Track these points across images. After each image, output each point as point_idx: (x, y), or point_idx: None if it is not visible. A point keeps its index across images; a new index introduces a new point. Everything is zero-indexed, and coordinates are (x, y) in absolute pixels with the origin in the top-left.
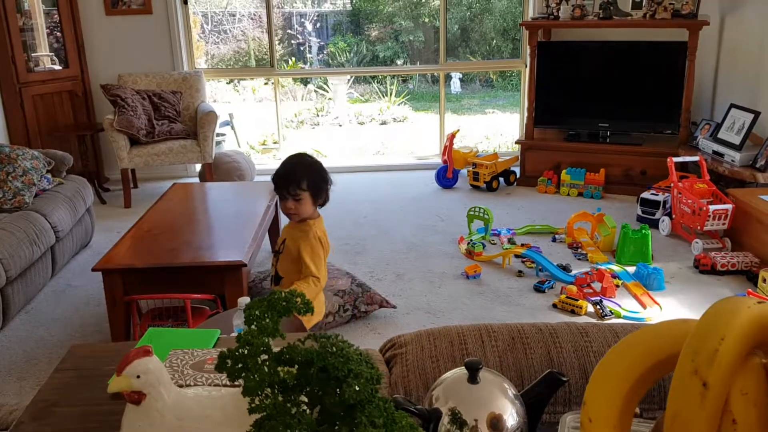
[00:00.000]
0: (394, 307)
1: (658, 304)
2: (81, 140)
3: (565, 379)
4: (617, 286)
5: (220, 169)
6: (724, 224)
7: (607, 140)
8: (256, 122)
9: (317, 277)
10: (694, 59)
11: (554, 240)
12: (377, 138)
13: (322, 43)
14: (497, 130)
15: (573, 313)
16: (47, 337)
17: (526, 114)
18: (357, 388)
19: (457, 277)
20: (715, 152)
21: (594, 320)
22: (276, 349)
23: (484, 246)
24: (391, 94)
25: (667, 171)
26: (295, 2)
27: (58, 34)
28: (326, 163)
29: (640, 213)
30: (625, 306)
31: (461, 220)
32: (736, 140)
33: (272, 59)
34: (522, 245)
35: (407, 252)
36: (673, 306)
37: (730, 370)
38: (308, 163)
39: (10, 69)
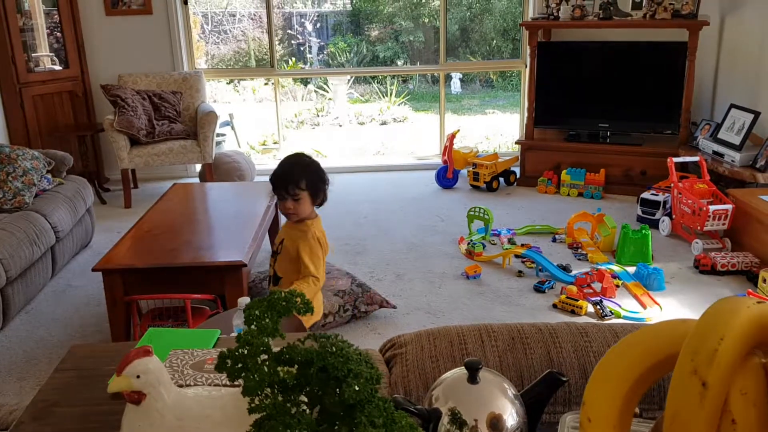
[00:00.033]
0: (394, 307)
1: (658, 304)
2: (81, 140)
3: (564, 379)
4: (617, 286)
5: (220, 170)
6: (724, 224)
7: (607, 140)
8: (256, 122)
9: (316, 277)
10: (694, 59)
11: (554, 240)
12: (377, 138)
13: (322, 44)
14: (497, 130)
15: (573, 313)
16: (47, 337)
17: (526, 114)
18: (357, 388)
19: (457, 278)
20: (715, 152)
21: (594, 320)
22: (276, 349)
23: (484, 246)
24: (391, 95)
25: (667, 171)
26: (295, 2)
27: (59, 34)
28: (326, 164)
29: (640, 213)
30: (625, 306)
31: (461, 220)
32: (736, 140)
33: (272, 59)
34: (522, 245)
35: (407, 252)
36: (673, 306)
37: (729, 370)
38: (306, 163)
39: (10, 69)
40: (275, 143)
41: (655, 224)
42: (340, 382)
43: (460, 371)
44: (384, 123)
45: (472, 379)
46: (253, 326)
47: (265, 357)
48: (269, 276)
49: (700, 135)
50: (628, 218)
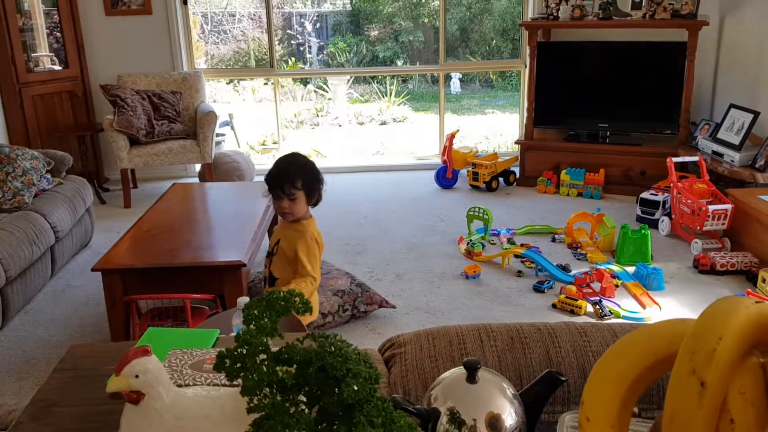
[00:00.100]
0: (394, 307)
1: (657, 304)
2: (81, 140)
3: (563, 378)
4: (617, 286)
5: (220, 170)
6: (723, 224)
7: (607, 140)
8: (256, 122)
9: (313, 276)
10: (694, 59)
11: (554, 240)
12: (377, 138)
13: (321, 44)
14: (497, 130)
15: (572, 313)
16: (46, 337)
17: (525, 114)
18: (355, 388)
19: (456, 277)
20: (714, 152)
21: (593, 320)
22: (275, 349)
23: (483, 246)
24: (390, 95)
25: (666, 171)
26: (295, 2)
27: (58, 34)
28: (326, 164)
29: (639, 213)
30: (625, 306)
31: (461, 220)
32: (736, 140)
33: (272, 59)
34: (521, 245)
35: (407, 252)
36: (672, 306)
37: (727, 369)
38: (302, 162)
39: (10, 69)
40: (275, 143)
41: (654, 224)
42: (338, 382)
43: (459, 371)
44: (384, 123)
45: (471, 378)
46: (252, 326)
47: (264, 357)
48: (264, 277)
49: (699, 135)
50: (627, 218)
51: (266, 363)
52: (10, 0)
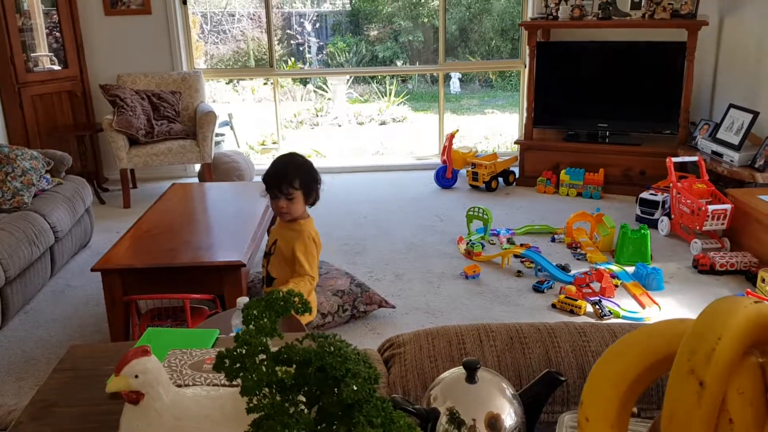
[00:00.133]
0: (393, 307)
1: (657, 304)
2: (80, 140)
3: (563, 378)
4: (616, 286)
5: (220, 170)
6: (722, 224)
7: (606, 140)
8: (256, 122)
9: (312, 276)
10: (693, 59)
11: (553, 240)
12: (376, 138)
13: (321, 44)
14: (496, 130)
15: (572, 313)
16: (46, 337)
17: (525, 114)
18: (355, 388)
19: (456, 277)
20: (714, 152)
21: (592, 320)
22: (274, 349)
23: (483, 246)
24: (390, 94)
25: (666, 171)
26: (295, 2)
27: (57, 34)
28: (326, 164)
29: (639, 213)
30: (624, 306)
31: (460, 220)
32: (735, 140)
33: (271, 59)
34: (521, 245)
35: (406, 252)
36: (672, 306)
37: (726, 369)
38: (299, 162)
39: (9, 69)
40: (274, 143)
41: (654, 224)
42: (338, 382)
43: (459, 371)
44: (383, 123)
45: (471, 378)
46: (251, 326)
47: (264, 357)
48: (262, 277)
49: (699, 135)
50: (627, 218)
51: (266, 363)
52: (10, 0)
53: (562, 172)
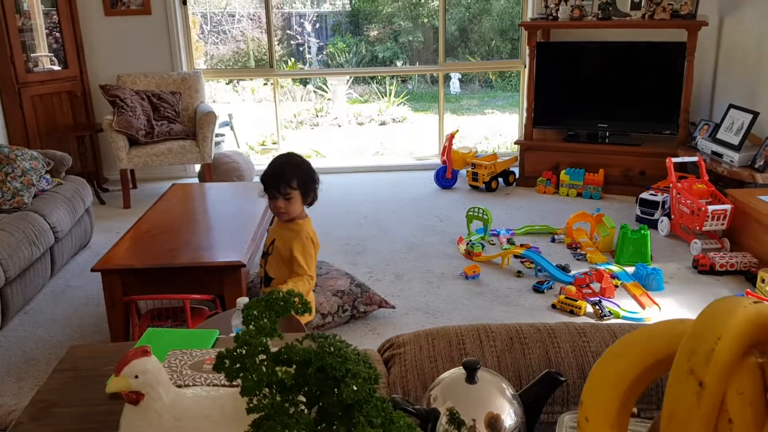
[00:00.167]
0: (393, 307)
1: (657, 304)
2: (80, 141)
3: (563, 379)
4: (616, 286)
5: (220, 170)
6: (722, 224)
7: (606, 141)
8: (256, 123)
9: (310, 275)
10: (693, 60)
11: (553, 240)
12: (376, 138)
13: (321, 44)
14: (496, 130)
15: (572, 313)
16: (46, 337)
17: (525, 114)
18: (355, 388)
19: (456, 278)
20: (713, 153)
21: (592, 320)
22: (274, 350)
23: (483, 246)
24: (390, 95)
25: (666, 171)
26: (295, 3)
27: (57, 34)
28: (326, 164)
29: (639, 213)
30: (624, 306)
31: (460, 220)
32: (735, 141)
33: (271, 60)
34: (521, 245)
35: (406, 252)
36: (672, 306)
37: (726, 369)
38: (297, 162)
39: (9, 69)
40: (274, 143)
41: (654, 224)
42: (338, 382)
43: (459, 371)
44: (383, 123)
45: (471, 379)
46: (251, 326)
47: (264, 357)
48: (260, 277)
49: (698, 135)
50: (627, 218)
51: (266, 363)
52: (10, 0)
53: (562, 172)
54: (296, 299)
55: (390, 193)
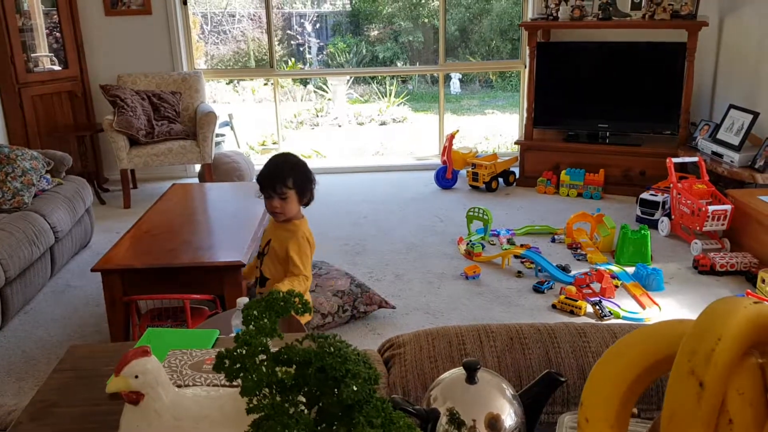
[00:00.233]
0: (393, 307)
1: (657, 304)
2: (80, 141)
3: (563, 379)
4: (616, 286)
5: (220, 170)
6: (723, 225)
7: (607, 141)
8: (256, 123)
9: (306, 275)
10: (693, 60)
11: (553, 240)
12: (377, 138)
13: (321, 44)
14: (496, 130)
15: (572, 313)
16: (46, 337)
17: (525, 114)
18: (355, 389)
19: (456, 278)
20: (714, 153)
21: (593, 321)
22: (274, 350)
23: (483, 246)
24: (390, 95)
25: (666, 172)
26: (295, 3)
27: (58, 34)
28: (326, 164)
29: (639, 213)
30: (624, 306)
31: (460, 220)
32: (735, 141)
33: (272, 60)
34: (521, 246)
35: (406, 252)
36: (672, 306)
37: (726, 370)
38: (293, 162)
39: (10, 69)
40: (275, 143)
41: (654, 224)
42: (338, 383)
43: (459, 371)
44: (383, 123)
45: (471, 379)
46: (251, 326)
47: (264, 357)
48: (256, 278)
49: (699, 135)
50: (627, 218)
51: (266, 363)
52: (10, 0)
53: (563, 172)
54: (296, 299)
55: (390, 193)
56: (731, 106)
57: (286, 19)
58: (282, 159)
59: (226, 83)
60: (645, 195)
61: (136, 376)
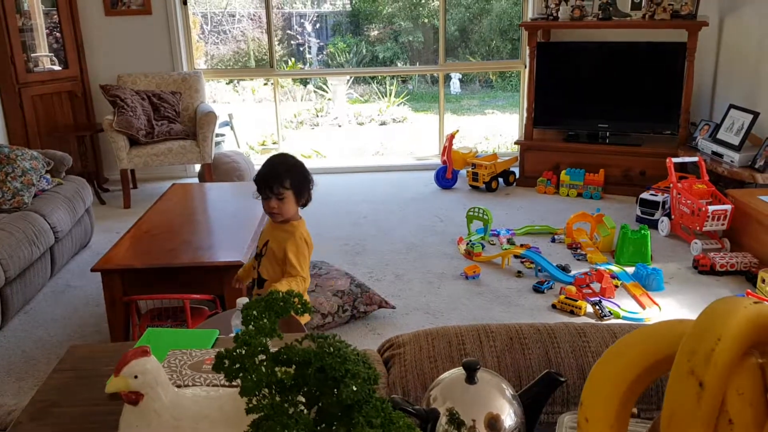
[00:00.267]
0: (393, 307)
1: (657, 304)
2: (80, 141)
3: (562, 379)
4: (616, 286)
5: (220, 170)
6: (723, 225)
7: (607, 141)
8: (256, 123)
9: (303, 277)
10: (693, 60)
11: (553, 240)
12: (377, 138)
13: (321, 44)
14: (496, 130)
15: (572, 313)
16: (46, 337)
17: (525, 114)
18: (354, 389)
19: (456, 278)
20: (714, 153)
21: (593, 321)
22: (274, 350)
23: (483, 246)
24: (390, 95)
25: (666, 171)
26: (295, 3)
27: (58, 34)
28: (326, 164)
29: (639, 213)
30: (624, 306)
31: (460, 220)
32: (735, 141)
33: (272, 60)
34: (521, 246)
35: (406, 252)
36: (672, 306)
37: (726, 370)
38: (291, 162)
39: (10, 69)
40: (275, 143)
41: (654, 224)
42: (337, 383)
43: (458, 371)
44: (383, 123)
45: (470, 379)
46: (251, 326)
47: (263, 357)
48: (253, 279)
49: (699, 135)
50: (627, 218)
51: (265, 363)
52: (10, 0)
53: (563, 172)
54: (296, 299)
55: (390, 193)
56: (731, 106)
57: (286, 19)
58: (279, 159)
59: (226, 83)
60: (645, 195)
61: (136, 377)
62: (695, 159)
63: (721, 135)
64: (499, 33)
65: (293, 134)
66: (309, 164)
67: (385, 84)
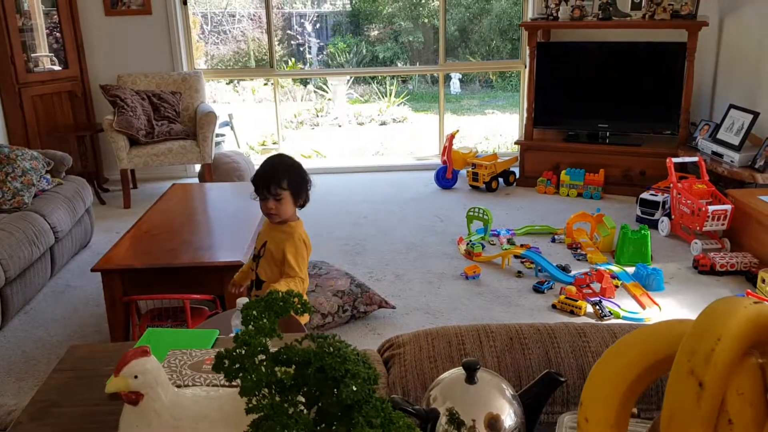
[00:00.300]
0: (393, 307)
1: (657, 304)
2: (80, 141)
3: (562, 379)
4: (616, 286)
5: (220, 170)
6: (723, 225)
7: (607, 141)
8: (256, 123)
9: (302, 277)
10: (693, 60)
11: (553, 240)
12: (377, 138)
13: (321, 44)
14: (497, 130)
15: (572, 313)
16: (46, 337)
17: (525, 114)
18: (354, 388)
19: (456, 278)
20: (714, 153)
21: (593, 321)
22: (274, 350)
23: (483, 246)
24: (390, 95)
25: (666, 171)
26: (295, 3)
27: (58, 34)
28: (326, 164)
29: (639, 213)
30: (625, 306)
31: (460, 220)
32: (735, 141)
33: (272, 60)
34: (521, 246)
35: (406, 252)
36: (672, 306)
37: (726, 370)
38: (288, 163)
39: (10, 69)
40: (275, 143)
41: (654, 224)
42: (337, 383)
43: (458, 371)
44: (383, 123)
45: (470, 379)
46: (251, 327)
47: (263, 357)
48: (251, 280)
49: (699, 135)
50: (627, 218)
51: (265, 363)
52: (10, 0)
53: (563, 172)
54: (296, 299)
55: (390, 193)
56: (731, 106)
57: (286, 19)
58: (277, 160)
59: (226, 83)
60: (645, 195)
61: (136, 377)
62: (695, 159)
63: (721, 135)
64: (499, 33)
65: (293, 134)
66: (309, 164)
67: (385, 84)
